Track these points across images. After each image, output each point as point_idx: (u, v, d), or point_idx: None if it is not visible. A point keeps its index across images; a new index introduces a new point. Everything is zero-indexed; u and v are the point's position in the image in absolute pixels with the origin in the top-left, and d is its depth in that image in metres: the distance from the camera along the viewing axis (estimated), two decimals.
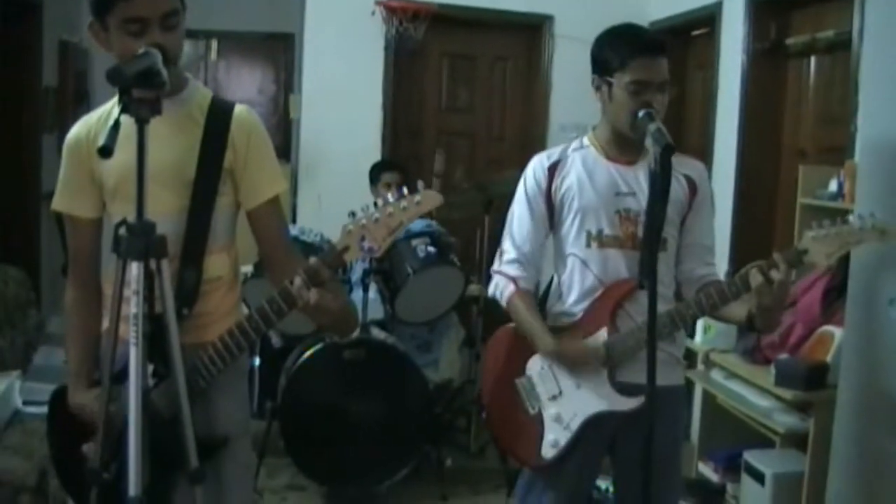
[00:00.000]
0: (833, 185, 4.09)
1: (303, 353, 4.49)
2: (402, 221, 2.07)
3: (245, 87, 8.57)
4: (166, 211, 2.24)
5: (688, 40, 6.23)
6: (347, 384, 4.48)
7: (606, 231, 2.75)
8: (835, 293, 3.78)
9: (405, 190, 2.10)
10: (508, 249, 2.88)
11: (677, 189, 2.74)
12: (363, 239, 2.07)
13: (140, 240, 2.04)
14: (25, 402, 4.28)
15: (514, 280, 2.84)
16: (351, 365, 4.47)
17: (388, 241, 2.08)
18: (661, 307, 2.64)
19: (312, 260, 2.11)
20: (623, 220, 2.73)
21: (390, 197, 2.08)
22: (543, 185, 2.81)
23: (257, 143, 2.37)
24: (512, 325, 2.94)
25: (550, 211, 2.83)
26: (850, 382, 3.33)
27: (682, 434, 3.00)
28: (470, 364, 5.27)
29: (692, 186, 2.80)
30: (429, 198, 2.08)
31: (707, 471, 4.36)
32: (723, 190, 5.29)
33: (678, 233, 2.81)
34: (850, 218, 2.48)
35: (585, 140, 2.85)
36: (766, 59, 5.13)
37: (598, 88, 2.75)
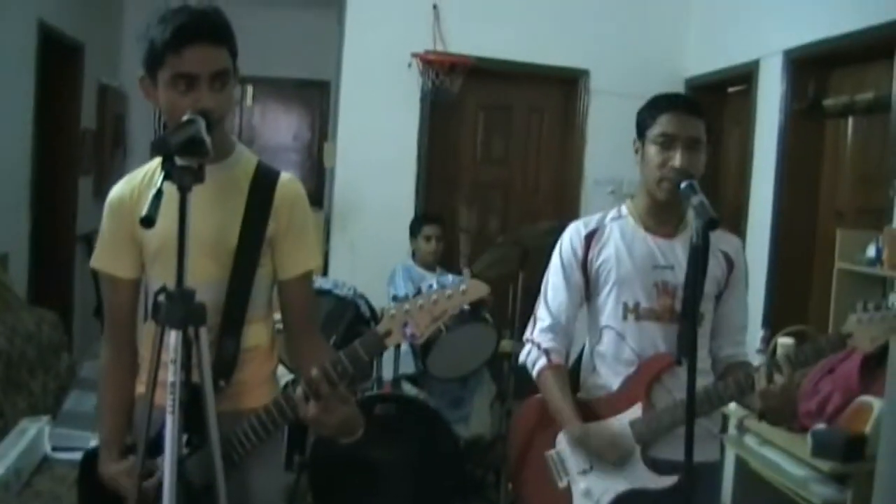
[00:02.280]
0: (871, 251, 4.05)
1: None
2: (447, 310, 2.07)
3: (280, 133, 8.64)
4: (207, 279, 2.23)
5: (725, 97, 6.22)
6: (378, 439, 4.44)
7: (644, 304, 2.72)
8: (874, 362, 3.72)
9: (450, 278, 2.10)
10: (543, 317, 2.86)
11: (714, 265, 2.73)
12: (406, 325, 2.06)
13: (179, 308, 2.02)
14: (55, 448, 4.29)
15: (546, 353, 2.81)
16: (381, 420, 4.45)
17: (431, 328, 2.08)
18: (700, 382, 2.60)
19: (315, 371, 2.11)
20: (661, 292, 2.71)
21: (434, 284, 2.09)
22: (580, 254, 2.80)
23: (299, 216, 2.37)
24: (541, 396, 2.90)
25: (586, 280, 2.81)
26: (889, 455, 3.27)
27: None
28: (501, 420, 5.22)
29: (729, 262, 2.78)
30: (474, 286, 2.08)
31: None
32: (758, 250, 5.25)
33: (713, 308, 2.78)
34: (894, 302, 2.45)
35: (624, 209, 2.83)
36: (804, 119, 5.09)
37: (636, 152, 2.75)
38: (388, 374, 4.73)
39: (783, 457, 3.92)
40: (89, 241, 6.63)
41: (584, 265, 2.80)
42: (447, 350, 4.65)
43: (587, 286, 2.82)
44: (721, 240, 2.79)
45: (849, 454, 3.54)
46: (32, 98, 5.78)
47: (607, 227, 2.81)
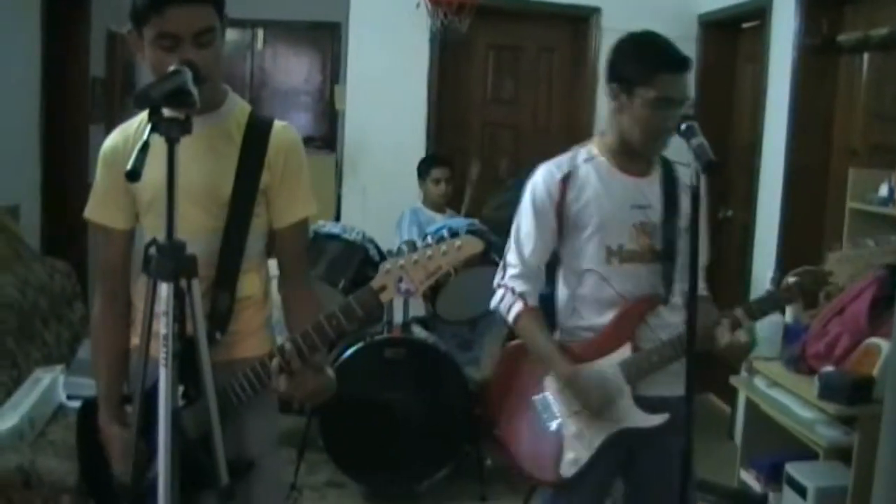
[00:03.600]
0: (884, 190, 4.01)
1: (344, 350, 4.49)
2: (441, 266, 2.07)
3: (291, 76, 8.59)
4: (200, 230, 2.23)
5: (737, 33, 6.13)
6: (388, 382, 4.48)
7: (627, 246, 2.71)
8: (883, 303, 3.69)
9: (446, 234, 2.10)
10: (514, 263, 2.81)
11: (683, 200, 2.72)
12: (401, 280, 2.06)
13: (170, 260, 2.01)
14: (70, 397, 4.31)
15: (521, 296, 2.77)
16: (391, 363, 4.48)
17: (425, 283, 2.09)
18: (678, 318, 2.69)
19: (287, 346, 2.15)
20: (640, 233, 2.70)
21: (430, 240, 2.08)
22: (556, 197, 2.73)
23: (294, 164, 2.35)
24: (520, 341, 2.89)
25: (560, 224, 2.76)
26: (895, 398, 3.25)
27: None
28: None
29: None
30: (470, 243, 2.08)
31: (749, 479, 4.28)
32: (771, 188, 5.22)
33: (684, 244, 2.74)
34: (870, 242, 2.46)
35: (594, 149, 2.78)
36: (818, 55, 5.02)
37: (615, 97, 2.69)
38: (398, 317, 4.74)
39: (791, 399, 3.92)
40: None
41: (560, 209, 2.74)
42: (456, 293, 4.64)
43: (560, 230, 2.77)
44: (685, 174, 2.73)
45: (855, 397, 3.53)
46: (39, 47, 5.73)
47: (581, 168, 2.75)
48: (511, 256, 2.83)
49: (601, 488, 2.88)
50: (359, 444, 4.49)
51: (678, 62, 2.63)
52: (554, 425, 2.77)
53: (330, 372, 2.33)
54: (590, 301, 2.76)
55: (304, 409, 4.69)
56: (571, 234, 2.76)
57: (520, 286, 2.78)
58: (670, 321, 2.70)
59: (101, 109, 6.90)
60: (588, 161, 2.76)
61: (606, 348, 2.74)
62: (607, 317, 2.74)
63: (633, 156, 2.72)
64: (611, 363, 2.72)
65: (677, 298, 2.74)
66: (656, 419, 2.68)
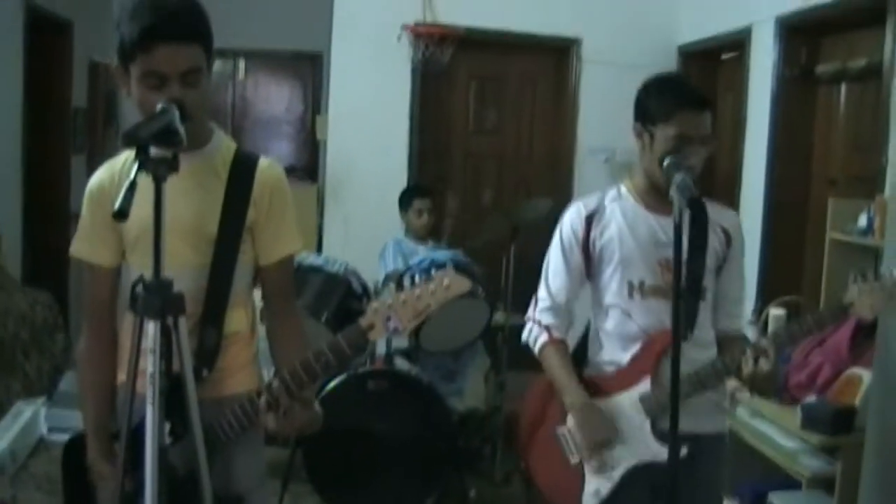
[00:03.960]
0: (863, 220, 4.04)
1: (327, 383, 4.48)
2: (430, 304, 2.07)
3: (272, 105, 8.60)
4: (187, 267, 2.22)
5: (717, 64, 6.20)
6: (371, 414, 4.45)
7: (648, 281, 2.74)
8: (863, 334, 3.72)
9: (433, 272, 2.10)
10: (544, 297, 2.89)
11: (713, 239, 2.77)
12: (389, 319, 2.07)
13: (157, 298, 2.01)
14: (51, 429, 4.30)
15: (547, 329, 2.84)
16: (375, 395, 4.46)
17: (413, 322, 2.09)
18: (705, 355, 2.72)
19: (275, 383, 2.15)
20: (664, 269, 2.71)
21: (417, 279, 2.09)
22: (580, 235, 2.81)
23: (279, 201, 2.35)
24: None
25: (587, 261, 2.83)
26: (877, 428, 3.28)
27: (725, 480, 2.99)
28: (495, 392, 5.24)
29: (727, 237, 2.80)
30: (457, 282, 2.08)
31: None
32: (752, 218, 5.24)
33: (714, 282, 2.80)
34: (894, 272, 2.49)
35: (623, 189, 2.84)
36: (797, 85, 5.09)
37: (639, 136, 2.73)
38: (381, 348, 4.73)
39: (774, 429, 3.92)
40: None
41: (586, 246, 2.81)
42: (440, 324, 4.63)
43: (588, 266, 2.84)
44: (719, 215, 2.81)
45: (838, 427, 3.55)
46: (21, 77, 5.75)
47: (607, 207, 2.81)
48: (541, 291, 2.90)
49: None
50: (343, 475, 4.46)
51: (696, 100, 2.66)
52: (576, 458, 2.81)
53: (317, 406, 2.33)
54: (614, 336, 2.81)
55: (289, 441, 4.68)
56: (597, 270, 2.82)
57: (546, 319, 2.86)
58: (692, 357, 2.68)
59: (82, 139, 6.91)
60: (615, 200, 2.82)
61: (627, 382, 2.76)
62: (630, 351, 2.77)
63: (659, 194, 2.73)
64: (631, 397, 2.75)
65: (705, 335, 2.77)
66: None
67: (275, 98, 8.62)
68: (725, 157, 5.90)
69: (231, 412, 2.23)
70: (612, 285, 2.79)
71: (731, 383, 4.15)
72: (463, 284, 2.09)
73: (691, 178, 2.50)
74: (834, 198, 4.39)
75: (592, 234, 2.80)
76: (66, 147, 6.61)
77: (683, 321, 2.70)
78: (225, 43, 2.25)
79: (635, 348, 2.77)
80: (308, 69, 8.31)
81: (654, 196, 2.76)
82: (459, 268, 4.63)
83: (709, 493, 2.81)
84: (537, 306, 2.90)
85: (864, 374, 3.59)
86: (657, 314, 2.74)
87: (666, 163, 2.53)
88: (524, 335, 2.95)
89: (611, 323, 2.81)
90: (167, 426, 2.12)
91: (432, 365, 5.11)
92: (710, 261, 2.75)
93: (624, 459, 2.75)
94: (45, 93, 6.29)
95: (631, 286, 2.75)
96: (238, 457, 2.33)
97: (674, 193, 2.37)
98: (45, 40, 6.16)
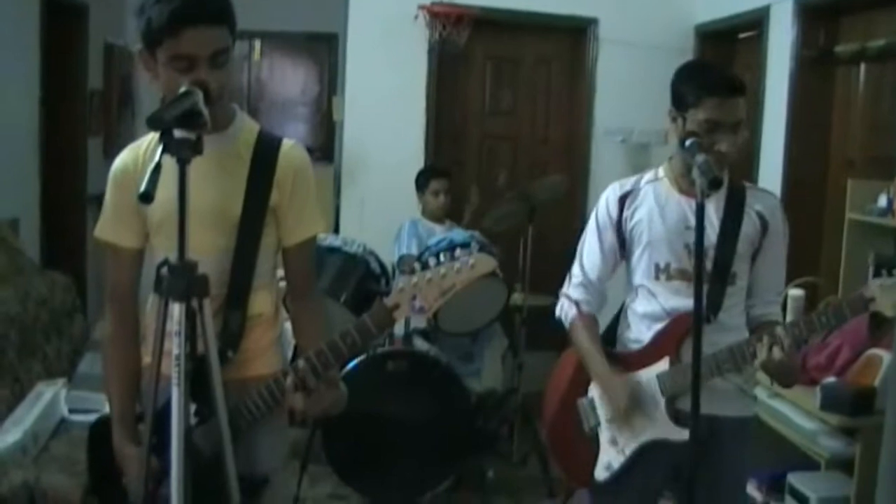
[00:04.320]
0: (882, 201, 4.04)
1: (345, 363, 4.49)
2: (455, 284, 2.09)
3: (288, 87, 8.58)
4: (211, 250, 2.24)
5: (735, 44, 6.16)
6: (390, 395, 4.48)
7: (674, 265, 2.78)
8: (883, 315, 3.70)
9: (458, 252, 2.11)
10: (577, 274, 2.97)
11: (748, 223, 2.78)
12: (414, 298, 2.08)
13: (181, 280, 2.02)
14: (72, 411, 4.32)
15: (577, 303, 2.93)
16: (393, 376, 4.48)
17: (439, 301, 2.10)
18: (730, 339, 2.71)
19: (302, 364, 2.17)
20: (691, 253, 2.72)
21: (442, 258, 2.09)
22: (615, 215, 2.88)
23: (302, 183, 2.36)
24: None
25: (621, 241, 2.90)
26: None
27: (748, 467, 3.00)
28: (513, 373, 5.26)
29: (763, 222, 2.80)
30: (483, 262, 2.09)
31: (751, 489, 4.28)
32: None
33: (749, 268, 2.81)
34: None
35: (661, 171, 2.88)
36: (815, 66, 5.06)
37: (673, 120, 2.76)
38: (399, 329, 4.75)
39: (793, 409, 3.93)
40: (100, 202, 6.61)
41: (619, 226, 2.88)
42: (458, 305, 4.60)
43: (622, 247, 2.90)
44: (757, 198, 2.83)
45: (857, 408, 3.55)
46: (38, 61, 5.75)
47: (642, 189, 2.87)
48: (575, 268, 2.99)
49: (643, 497, 2.92)
50: (361, 456, 4.49)
51: (726, 85, 2.68)
52: (593, 429, 2.88)
53: (343, 386, 2.35)
54: (640, 315, 2.87)
55: (307, 422, 4.70)
56: (629, 250, 2.89)
57: (577, 294, 2.95)
58: (715, 340, 2.69)
59: (99, 122, 6.92)
60: (651, 182, 2.87)
61: (647, 360, 2.82)
62: (653, 331, 2.83)
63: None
64: (649, 375, 2.80)
65: (731, 319, 2.78)
66: (686, 433, 2.67)
67: (290, 79, 8.61)
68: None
69: (257, 393, 2.25)
70: (640, 266, 2.85)
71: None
72: (488, 264, 2.10)
73: (714, 160, 2.51)
74: (853, 178, 4.37)
75: (625, 214, 2.87)
76: (83, 130, 6.61)
77: (707, 304, 2.73)
78: (241, 24, 2.25)
79: (658, 328, 2.81)
80: (324, 50, 8.29)
81: (688, 180, 2.75)
82: (479, 248, 4.68)
83: (731, 476, 2.83)
84: (571, 283, 2.98)
85: (884, 356, 3.59)
86: (681, 297, 2.76)
87: (687, 143, 2.54)
88: (557, 311, 3.02)
89: (639, 303, 2.87)
90: (192, 408, 2.14)
91: (450, 346, 5.12)
92: (743, 246, 2.77)
93: (637, 435, 2.80)
94: (62, 76, 6.29)
95: (657, 268, 2.80)
96: (262, 438, 2.35)
97: (695, 174, 2.39)
98: (61, 23, 6.16)
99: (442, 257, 2.10)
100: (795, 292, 4.19)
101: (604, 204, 2.91)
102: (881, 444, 3.32)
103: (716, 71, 2.86)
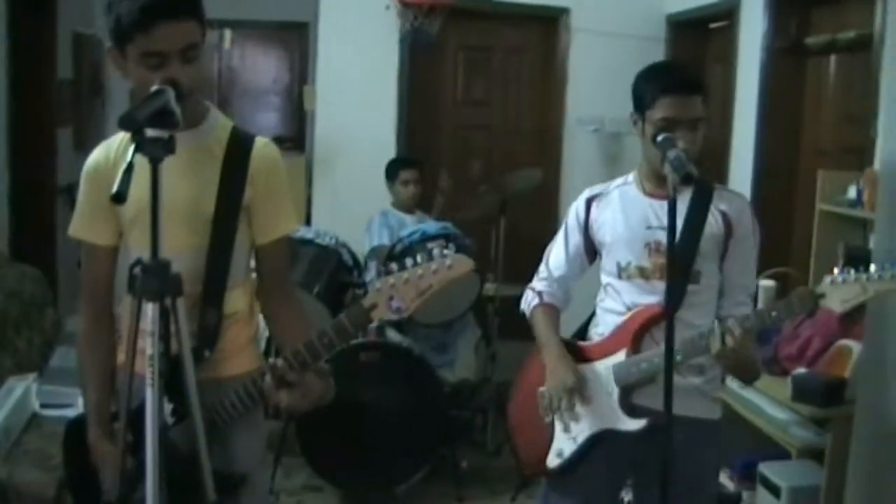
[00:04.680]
0: (852, 192, 4.06)
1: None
2: (432, 284, 2.09)
3: (259, 76, 8.56)
4: (184, 248, 2.23)
5: (706, 33, 6.18)
6: (363, 386, 4.49)
7: (634, 263, 2.83)
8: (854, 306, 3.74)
9: (435, 252, 2.10)
10: (542, 271, 3.07)
11: (712, 224, 2.79)
12: (391, 298, 2.08)
13: (155, 280, 2.02)
14: (43, 405, 4.29)
15: (539, 294, 3.02)
16: (367, 367, 4.49)
17: (416, 302, 2.10)
18: (686, 334, 2.70)
19: (279, 363, 2.15)
20: (653, 252, 2.78)
21: (419, 258, 2.09)
22: (582, 217, 2.97)
23: (275, 180, 2.36)
24: None
25: (588, 243, 2.98)
26: (867, 399, 3.32)
27: (713, 470, 3.02)
28: (486, 363, 5.27)
29: (727, 224, 2.79)
30: (459, 262, 2.09)
31: (723, 478, 4.32)
32: (741, 188, 5.22)
33: (717, 268, 2.81)
34: (872, 267, 2.47)
35: (631, 176, 2.94)
36: (786, 57, 5.07)
37: (634, 123, 2.81)
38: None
39: (764, 400, 3.95)
40: (71, 193, 6.57)
41: (586, 229, 2.96)
42: (437, 293, 4.65)
43: (590, 249, 2.99)
44: (724, 199, 2.83)
45: (828, 398, 3.58)
46: (5, 50, 5.69)
47: (612, 192, 2.94)
48: (541, 266, 3.09)
49: (601, 488, 2.93)
50: (335, 447, 4.50)
51: (680, 84, 2.70)
52: (549, 417, 2.90)
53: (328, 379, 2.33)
54: (607, 312, 2.92)
55: (281, 415, 4.70)
56: (598, 250, 2.97)
57: (539, 286, 3.04)
58: (676, 336, 2.71)
59: (69, 112, 6.85)
60: (620, 186, 2.94)
61: (606, 351, 2.86)
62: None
63: (658, 179, 2.78)
64: (605, 365, 2.85)
65: (693, 317, 2.76)
66: (636, 424, 2.76)
67: (262, 68, 8.57)
68: (714, 127, 5.87)
69: (234, 392, 2.24)
70: (606, 266, 2.93)
71: None
72: (465, 265, 2.10)
73: (685, 155, 2.52)
74: (824, 169, 4.40)
75: (592, 216, 2.95)
76: (53, 120, 6.54)
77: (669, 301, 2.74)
78: (211, 13, 2.24)
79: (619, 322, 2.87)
80: (295, 39, 8.26)
81: (654, 181, 2.83)
82: (450, 239, 4.69)
83: (690, 476, 2.75)
84: (536, 277, 3.08)
85: (855, 347, 3.62)
86: (640, 293, 2.82)
87: (659, 139, 2.55)
88: (521, 304, 3.09)
89: (605, 300, 2.94)
90: (169, 407, 2.14)
91: (423, 336, 5.14)
92: (707, 245, 2.77)
93: (589, 424, 2.84)
94: (31, 66, 6.21)
95: (619, 267, 2.86)
96: (238, 436, 2.35)
97: (667, 170, 2.40)
98: (30, 12, 6.09)
99: (419, 258, 2.10)
100: (766, 283, 4.22)
101: (574, 208, 3.01)
102: (852, 433, 3.37)
103: (672, 70, 2.93)
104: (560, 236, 3.06)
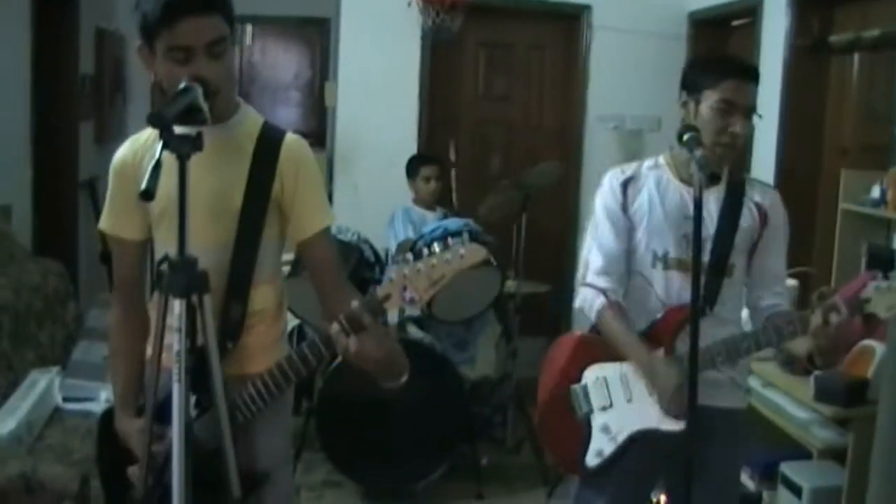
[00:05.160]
0: (876, 192, 4.04)
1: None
2: (445, 275, 2.06)
3: (280, 71, 8.54)
4: (211, 243, 2.24)
5: (728, 30, 6.16)
6: None
7: (672, 254, 2.79)
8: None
9: (451, 241, 2.09)
10: (595, 261, 2.89)
11: (747, 217, 2.80)
12: (405, 289, 2.07)
13: (182, 276, 2.03)
14: (66, 399, 4.32)
15: (603, 292, 2.85)
16: None
17: (429, 292, 2.07)
18: (725, 332, 2.75)
19: (354, 304, 2.09)
20: (690, 244, 2.72)
21: (436, 247, 2.08)
22: (620, 198, 2.86)
23: (306, 175, 2.34)
24: (576, 333, 3.01)
25: (629, 224, 2.86)
26: (889, 400, 3.29)
27: (742, 459, 3.00)
28: (506, 360, 5.27)
29: (763, 215, 2.82)
30: (473, 252, 2.07)
31: (744, 478, 4.31)
32: None
33: (747, 260, 2.83)
34: None
35: (661, 159, 2.89)
36: (809, 55, 5.05)
37: (684, 105, 2.78)
38: (393, 317, 4.75)
39: (786, 399, 3.94)
40: (92, 188, 6.61)
41: (625, 209, 2.86)
42: (452, 293, 4.60)
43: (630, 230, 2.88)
44: (756, 191, 2.85)
45: (850, 399, 3.57)
46: (29, 45, 5.70)
47: (643, 174, 2.87)
48: (592, 255, 2.91)
49: (634, 487, 2.93)
50: (356, 443, 4.51)
51: (744, 69, 2.72)
52: (586, 416, 2.86)
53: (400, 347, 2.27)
54: (634, 302, 2.87)
55: (301, 409, 4.72)
56: (631, 236, 2.87)
57: (601, 282, 2.86)
58: (711, 332, 2.71)
59: (90, 107, 6.87)
60: (652, 168, 2.88)
61: None
62: (648, 321, 2.83)
63: None
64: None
65: (728, 312, 2.80)
66: (676, 424, 2.72)
67: (283, 64, 8.56)
68: None
69: (253, 386, 2.25)
70: (638, 251, 2.85)
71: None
72: (478, 254, 2.08)
73: (727, 143, 2.65)
74: (846, 169, 4.38)
75: (628, 199, 2.85)
76: (75, 115, 6.56)
77: (703, 296, 2.73)
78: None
79: (653, 318, 2.82)
80: (316, 35, 8.25)
81: (689, 170, 2.76)
82: (472, 236, 4.70)
83: (722, 465, 2.83)
84: (589, 269, 2.90)
85: (877, 347, 3.60)
86: (677, 287, 2.79)
87: (686, 137, 2.55)
88: (577, 301, 2.94)
89: (633, 288, 2.88)
90: (192, 399, 2.15)
91: (444, 333, 5.14)
92: (741, 239, 2.78)
93: (629, 424, 2.80)
94: (53, 61, 6.22)
95: (655, 255, 2.81)
96: (263, 434, 2.36)
97: (693, 168, 2.41)
98: (53, 8, 6.12)
99: (436, 246, 2.09)
100: (788, 282, 4.20)
101: (608, 189, 2.88)
102: (874, 434, 3.35)
103: (734, 58, 2.90)
104: (602, 220, 2.89)
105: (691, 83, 2.76)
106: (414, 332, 4.86)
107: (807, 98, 5.09)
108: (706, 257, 2.75)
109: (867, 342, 3.69)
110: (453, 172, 5.76)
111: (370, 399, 4.42)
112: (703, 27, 6.19)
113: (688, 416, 2.46)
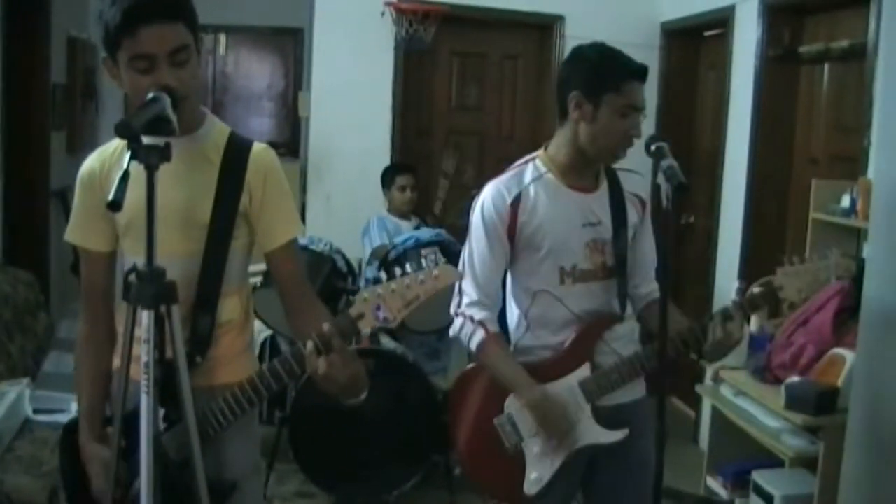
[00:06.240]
0: (846, 201, 4.07)
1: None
2: (419, 295, 2.07)
3: (254, 81, 8.55)
4: (179, 254, 2.22)
5: (700, 41, 6.21)
6: None
7: (580, 265, 2.72)
8: (846, 314, 3.76)
9: (424, 262, 2.10)
10: (470, 290, 2.75)
11: (632, 211, 2.80)
12: (378, 308, 2.07)
13: (150, 287, 2.02)
14: (36, 411, 4.28)
15: (481, 324, 2.73)
16: None
17: (403, 312, 2.08)
18: (630, 329, 2.82)
19: (326, 326, 2.08)
20: (592, 251, 2.73)
21: (409, 267, 2.08)
22: (507, 220, 2.70)
23: (273, 186, 2.32)
24: (475, 366, 2.89)
25: (511, 246, 2.73)
26: (860, 408, 3.32)
27: (654, 443, 2.95)
28: None
29: (642, 203, 2.83)
30: (446, 272, 2.08)
31: (715, 485, 4.35)
32: (734, 195, 5.28)
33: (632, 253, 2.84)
34: (828, 253, 2.56)
35: (540, 165, 2.76)
36: (779, 65, 5.08)
37: (577, 106, 2.65)
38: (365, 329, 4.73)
39: (757, 408, 3.97)
40: (64, 197, 6.56)
41: (511, 232, 2.71)
42: (425, 304, 4.65)
43: (512, 250, 2.75)
44: (630, 181, 2.82)
45: (821, 407, 3.59)
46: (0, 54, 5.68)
47: (530, 189, 2.71)
48: (466, 284, 2.76)
49: (565, 498, 2.91)
50: (328, 454, 4.49)
51: (642, 71, 2.68)
52: (517, 446, 2.76)
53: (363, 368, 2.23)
54: (544, 321, 2.76)
55: (274, 420, 4.70)
56: (523, 254, 2.74)
57: (478, 314, 2.74)
58: (623, 333, 2.77)
59: (62, 116, 6.84)
60: (536, 180, 2.73)
61: (566, 369, 2.74)
62: (563, 335, 2.75)
63: (582, 170, 2.73)
64: (570, 383, 2.73)
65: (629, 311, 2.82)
66: (616, 435, 2.72)
67: (256, 74, 8.57)
68: (708, 134, 5.92)
69: (223, 400, 2.23)
70: (540, 271, 2.73)
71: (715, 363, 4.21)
72: (451, 275, 2.09)
73: (623, 147, 2.66)
74: (817, 178, 4.41)
75: (520, 220, 2.70)
76: (46, 124, 6.52)
77: (619, 302, 2.80)
78: (206, 18, 2.23)
79: (568, 333, 2.75)
80: (290, 45, 8.26)
81: (577, 173, 2.74)
82: (443, 246, 4.70)
83: (640, 451, 2.78)
84: (463, 299, 2.76)
85: (848, 355, 3.63)
86: (589, 297, 2.74)
87: (653, 148, 2.51)
88: (453, 330, 2.83)
89: (540, 308, 2.76)
90: (161, 412, 2.14)
91: (416, 343, 5.14)
92: (630, 234, 2.79)
93: (568, 445, 2.73)
94: (24, 70, 6.19)
95: (563, 272, 2.71)
96: (231, 444, 2.33)
97: (661, 179, 2.41)
98: (23, 16, 6.08)
99: (408, 267, 2.10)
100: (759, 290, 4.23)
101: (492, 209, 2.71)
102: (844, 442, 3.38)
103: (626, 56, 2.69)
104: (482, 244, 2.73)
105: (589, 85, 2.63)
106: (386, 342, 4.85)
107: (778, 108, 5.12)
108: (610, 262, 2.74)
109: (838, 350, 3.72)
110: (437, 204, 5.76)
111: (343, 410, 4.31)
112: (676, 37, 6.22)
113: (658, 403, 2.47)
